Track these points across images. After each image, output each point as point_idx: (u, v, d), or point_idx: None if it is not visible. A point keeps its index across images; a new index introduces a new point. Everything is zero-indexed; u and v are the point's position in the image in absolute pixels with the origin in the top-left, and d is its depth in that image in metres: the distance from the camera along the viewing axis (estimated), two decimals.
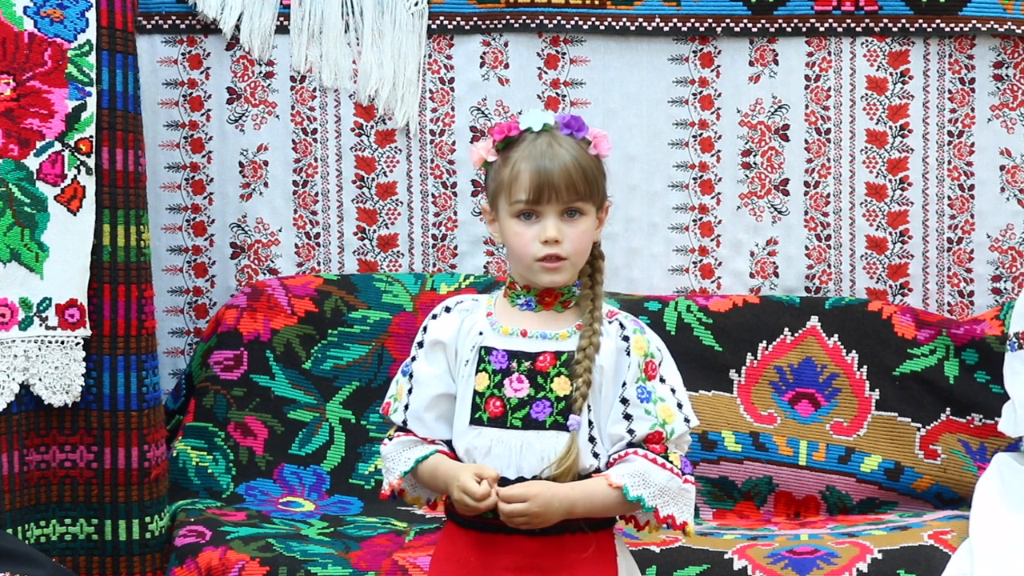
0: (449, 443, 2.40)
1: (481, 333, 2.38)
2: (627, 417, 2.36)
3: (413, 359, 2.43)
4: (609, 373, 2.36)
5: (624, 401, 2.36)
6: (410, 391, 2.41)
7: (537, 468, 2.33)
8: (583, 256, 2.38)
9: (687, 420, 2.39)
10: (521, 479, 2.32)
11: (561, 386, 2.34)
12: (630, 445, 2.36)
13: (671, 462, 2.35)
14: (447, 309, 2.43)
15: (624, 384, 2.37)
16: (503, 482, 2.31)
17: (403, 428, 2.42)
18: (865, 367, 3.29)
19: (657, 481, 2.33)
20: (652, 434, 2.36)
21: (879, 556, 2.78)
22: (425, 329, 2.43)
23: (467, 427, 2.36)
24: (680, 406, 2.39)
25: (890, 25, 3.39)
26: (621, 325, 2.40)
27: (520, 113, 2.75)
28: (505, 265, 3.32)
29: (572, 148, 2.35)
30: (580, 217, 2.35)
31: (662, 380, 2.38)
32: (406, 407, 2.41)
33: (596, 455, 2.36)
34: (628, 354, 2.37)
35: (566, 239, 2.33)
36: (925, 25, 3.38)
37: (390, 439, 2.44)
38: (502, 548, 2.34)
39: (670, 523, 2.34)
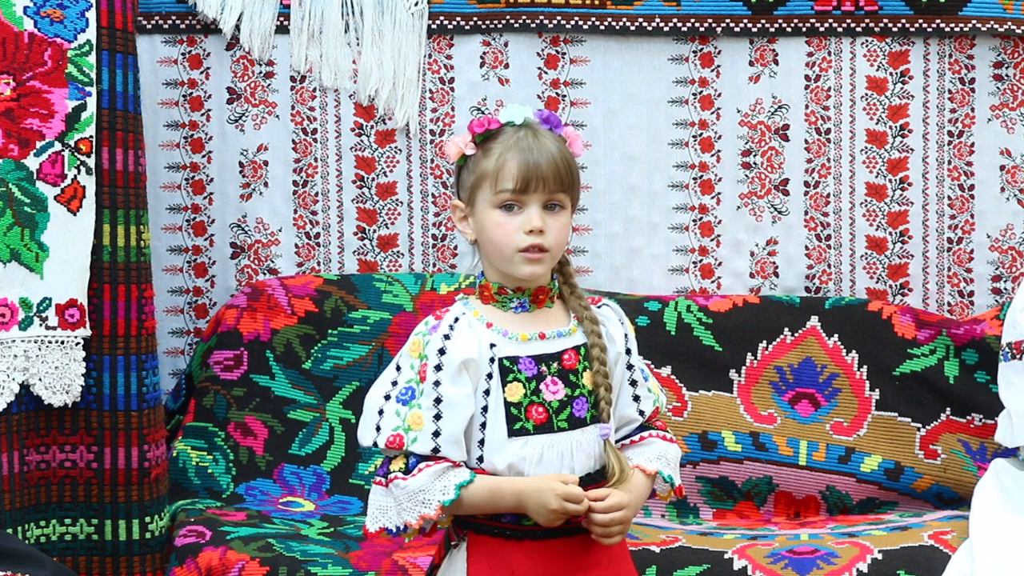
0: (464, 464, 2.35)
1: (493, 345, 2.36)
2: (636, 399, 2.40)
3: (436, 383, 2.31)
4: (621, 358, 2.39)
5: (633, 383, 2.41)
6: (437, 416, 2.31)
7: (587, 465, 2.34)
8: (561, 249, 2.38)
9: (662, 389, 2.49)
10: (579, 480, 2.32)
11: (590, 380, 2.35)
12: (641, 427, 2.43)
13: (669, 433, 2.46)
14: (451, 327, 2.35)
15: (630, 367, 2.41)
16: None
17: (427, 457, 2.31)
18: (865, 367, 3.29)
19: (673, 456, 2.43)
20: (654, 410, 2.45)
21: (879, 556, 2.78)
22: (443, 351, 2.32)
23: (506, 440, 2.32)
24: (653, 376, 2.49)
25: (890, 25, 3.39)
26: (612, 310, 2.43)
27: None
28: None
29: (554, 141, 2.37)
30: (560, 210, 2.36)
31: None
32: (435, 433, 2.30)
33: None
34: (626, 337, 2.41)
35: (548, 230, 2.33)
36: (925, 25, 3.38)
37: (405, 472, 2.31)
38: (568, 551, 2.33)
39: (677, 491, 2.44)
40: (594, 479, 2.34)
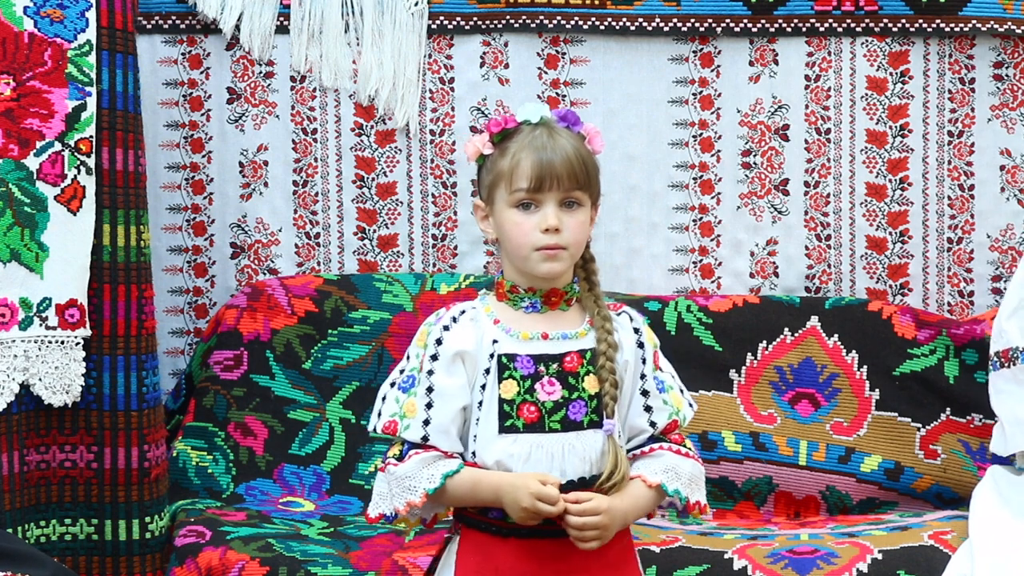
0: (460, 456, 2.36)
1: (495, 341, 2.36)
2: (648, 409, 2.39)
3: (430, 372, 2.34)
4: (631, 367, 2.38)
5: (644, 393, 2.39)
6: (428, 405, 2.34)
7: (580, 469, 2.33)
8: (580, 248, 2.38)
9: (691, 405, 2.45)
10: (571, 483, 2.31)
11: (592, 384, 2.34)
12: (651, 438, 2.40)
13: (689, 449, 2.42)
14: (454, 320, 2.38)
15: (643, 376, 2.40)
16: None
17: (418, 445, 2.34)
18: (865, 367, 3.29)
19: (685, 471, 2.39)
20: (669, 424, 2.41)
21: (879, 556, 2.78)
22: (440, 341, 2.35)
23: (496, 436, 2.33)
24: (682, 391, 2.45)
25: (890, 25, 3.39)
26: (630, 318, 2.42)
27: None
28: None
29: (571, 139, 2.37)
30: (578, 208, 2.36)
31: (661, 369, 2.43)
32: (425, 422, 2.33)
33: None
34: (641, 346, 2.40)
35: (565, 228, 2.33)
36: (925, 25, 3.38)
37: (398, 459, 2.34)
38: (554, 553, 2.33)
39: (697, 508, 2.40)
40: (589, 484, 2.33)
